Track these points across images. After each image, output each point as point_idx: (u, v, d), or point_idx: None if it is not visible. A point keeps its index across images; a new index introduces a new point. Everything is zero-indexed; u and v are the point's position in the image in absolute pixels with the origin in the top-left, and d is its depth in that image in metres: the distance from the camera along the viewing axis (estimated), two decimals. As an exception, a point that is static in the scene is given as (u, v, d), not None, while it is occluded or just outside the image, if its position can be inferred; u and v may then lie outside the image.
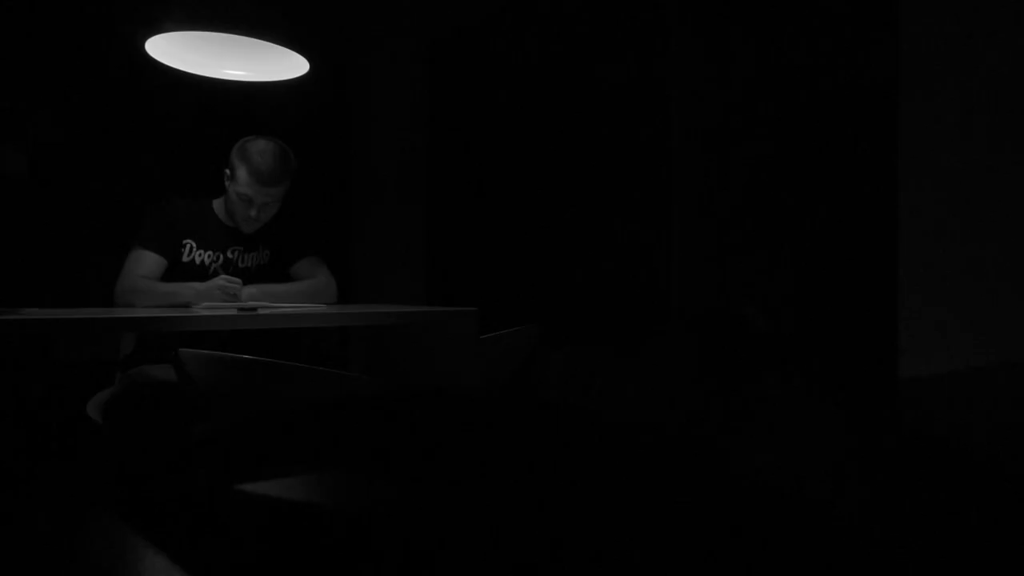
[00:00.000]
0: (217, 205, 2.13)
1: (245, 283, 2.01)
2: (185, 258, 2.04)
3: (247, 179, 1.98)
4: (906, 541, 1.03)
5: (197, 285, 1.90)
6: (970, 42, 2.13)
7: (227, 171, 2.04)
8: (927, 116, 2.21)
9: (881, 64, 2.59)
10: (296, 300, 2.03)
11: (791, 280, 3.41)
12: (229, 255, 2.09)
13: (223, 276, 1.91)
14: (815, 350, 3.20)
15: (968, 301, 2.12)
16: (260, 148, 2.01)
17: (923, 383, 2.12)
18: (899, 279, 2.26)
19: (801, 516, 1.06)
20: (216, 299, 1.87)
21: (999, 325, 2.05)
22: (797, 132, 3.37)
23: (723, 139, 3.74)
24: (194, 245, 2.05)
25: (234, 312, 1.71)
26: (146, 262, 1.97)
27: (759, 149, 3.56)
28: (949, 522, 1.09)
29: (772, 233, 3.50)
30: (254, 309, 1.77)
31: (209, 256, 2.06)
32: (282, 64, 2.24)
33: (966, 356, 2.08)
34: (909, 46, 2.25)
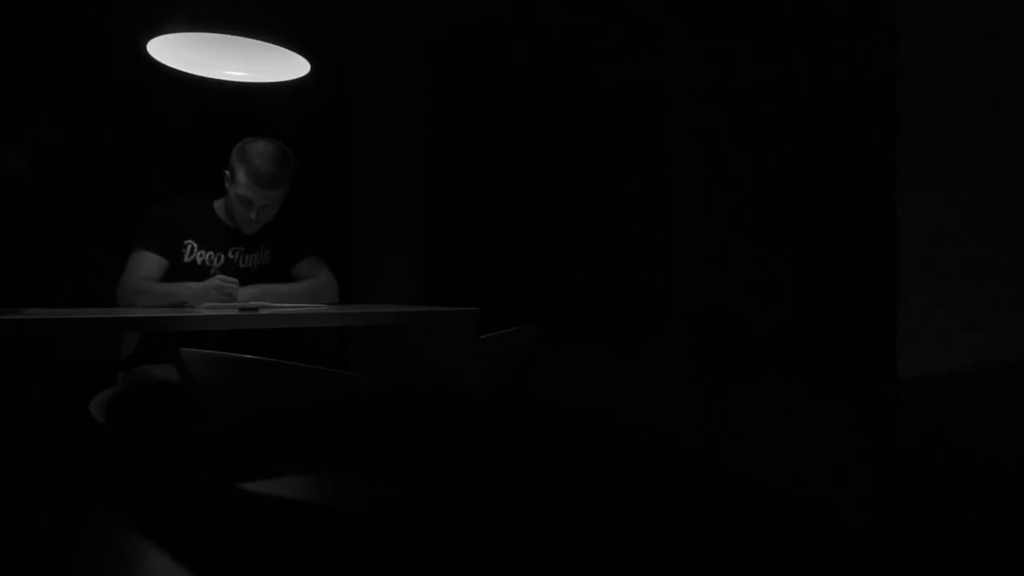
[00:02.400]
0: (218, 206, 2.13)
1: (246, 283, 2.02)
2: (187, 258, 2.04)
3: (247, 181, 1.98)
4: (906, 541, 1.03)
5: (194, 285, 1.90)
6: (970, 42, 2.13)
7: (227, 173, 2.04)
8: (927, 116, 2.21)
9: (880, 64, 2.59)
10: (297, 300, 2.03)
11: (791, 280, 3.41)
12: (230, 255, 2.10)
13: (219, 276, 1.91)
14: (815, 350, 3.20)
15: (968, 301, 2.12)
16: (260, 150, 2.01)
17: (923, 383, 2.12)
18: (898, 279, 2.26)
19: (801, 516, 1.06)
20: (212, 299, 1.86)
21: (999, 325, 2.05)
22: (797, 132, 3.37)
23: (723, 139, 3.74)
24: (195, 245, 2.05)
25: (235, 312, 1.71)
26: (147, 263, 1.97)
27: (759, 149, 3.56)
28: (949, 522, 1.09)
29: (772, 233, 3.50)
30: (255, 309, 1.78)
31: (210, 256, 2.06)
32: (282, 65, 2.24)
33: (966, 356, 2.08)
34: (908, 46, 2.25)
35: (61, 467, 1.74)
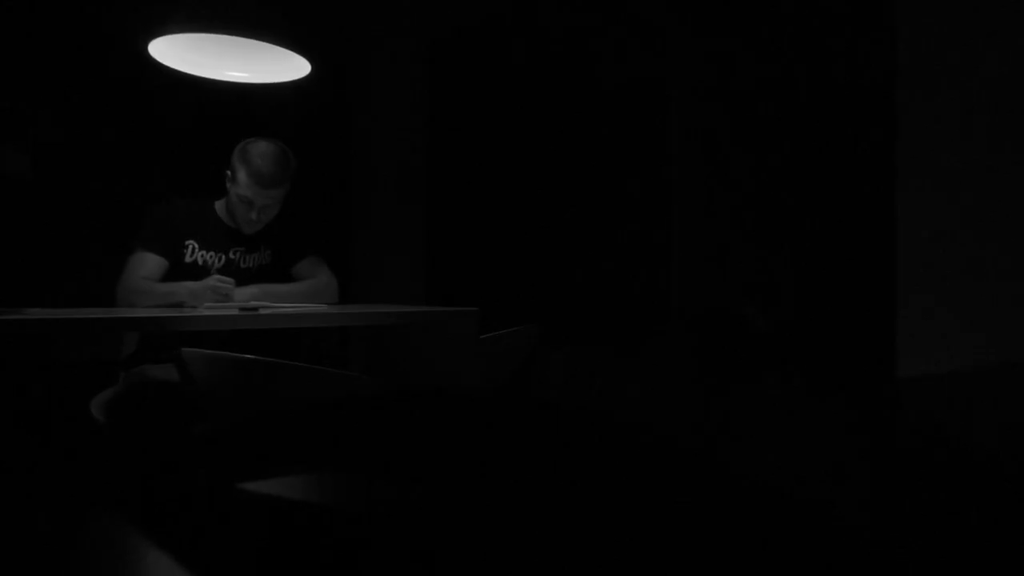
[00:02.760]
0: (219, 206, 2.13)
1: (247, 283, 2.02)
2: (188, 259, 2.04)
3: (247, 181, 1.98)
4: (906, 541, 1.03)
5: (191, 284, 1.90)
6: (970, 42, 2.13)
7: (228, 173, 2.04)
8: (927, 116, 2.22)
9: (880, 64, 2.59)
10: (297, 300, 2.03)
11: (791, 280, 3.41)
12: (231, 255, 2.10)
13: (215, 276, 1.91)
14: (815, 350, 3.20)
15: (968, 301, 2.12)
16: (260, 151, 2.01)
17: (923, 383, 2.12)
18: (899, 279, 2.26)
19: (801, 516, 1.06)
20: (209, 299, 1.86)
21: (999, 325, 2.05)
22: (796, 132, 3.37)
23: (723, 139, 3.74)
24: (196, 246, 2.05)
25: (236, 312, 1.71)
26: (147, 263, 1.97)
27: (759, 149, 3.56)
28: (949, 522, 1.09)
29: (772, 233, 3.50)
30: (255, 309, 1.78)
31: (211, 257, 2.06)
32: (283, 65, 2.24)
33: (966, 356, 2.08)
34: (908, 47, 2.25)
35: (61, 467, 1.74)
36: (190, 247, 2.04)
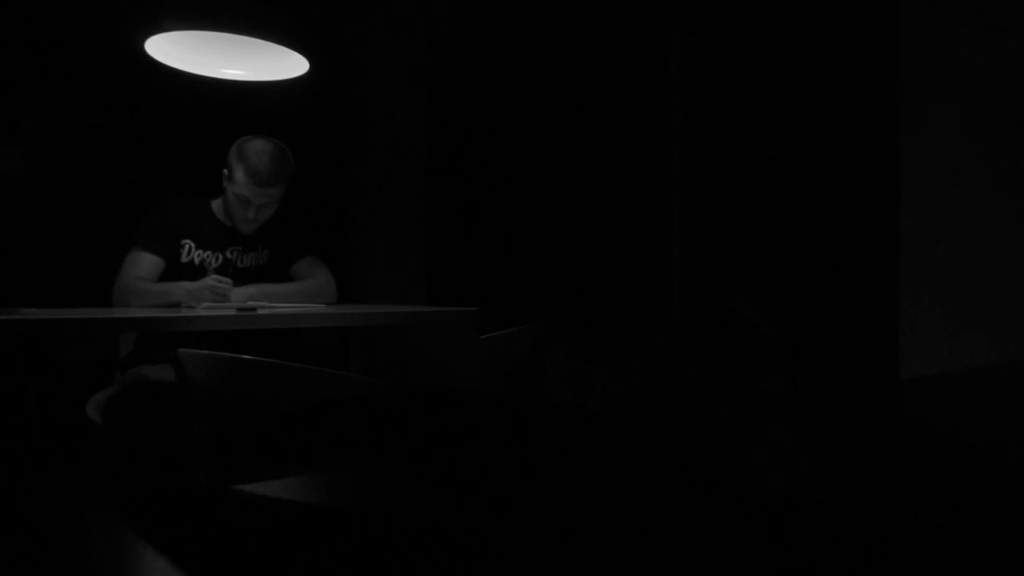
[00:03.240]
0: (216, 205, 2.13)
1: (244, 283, 2.01)
2: (184, 258, 2.03)
3: (244, 180, 1.97)
4: (906, 542, 1.03)
5: (188, 284, 1.89)
6: (971, 42, 2.13)
7: (225, 171, 2.03)
8: (928, 116, 2.21)
9: (882, 64, 2.59)
10: (295, 300, 2.03)
11: (792, 280, 3.41)
12: (228, 255, 2.09)
13: (213, 276, 1.90)
14: (816, 350, 3.20)
15: (969, 301, 2.12)
16: (258, 149, 2.00)
17: (923, 383, 2.12)
18: (900, 279, 2.26)
19: (801, 516, 1.06)
20: (207, 299, 1.86)
21: (1000, 325, 2.05)
22: (797, 132, 3.37)
23: (723, 139, 3.74)
24: (193, 245, 2.05)
25: (233, 312, 1.71)
26: (143, 263, 1.97)
27: (759, 149, 3.56)
28: (949, 522, 1.09)
29: (773, 233, 3.50)
30: (253, 309, 1.77)
31: (208, 256, 2.06)
32: (281, 63, 2.24)
33: (966, 356, 2.08)
34: (910, 46, 2.25)
35: (61, 467, 1.73)
36: (186, 247, 2.04)
